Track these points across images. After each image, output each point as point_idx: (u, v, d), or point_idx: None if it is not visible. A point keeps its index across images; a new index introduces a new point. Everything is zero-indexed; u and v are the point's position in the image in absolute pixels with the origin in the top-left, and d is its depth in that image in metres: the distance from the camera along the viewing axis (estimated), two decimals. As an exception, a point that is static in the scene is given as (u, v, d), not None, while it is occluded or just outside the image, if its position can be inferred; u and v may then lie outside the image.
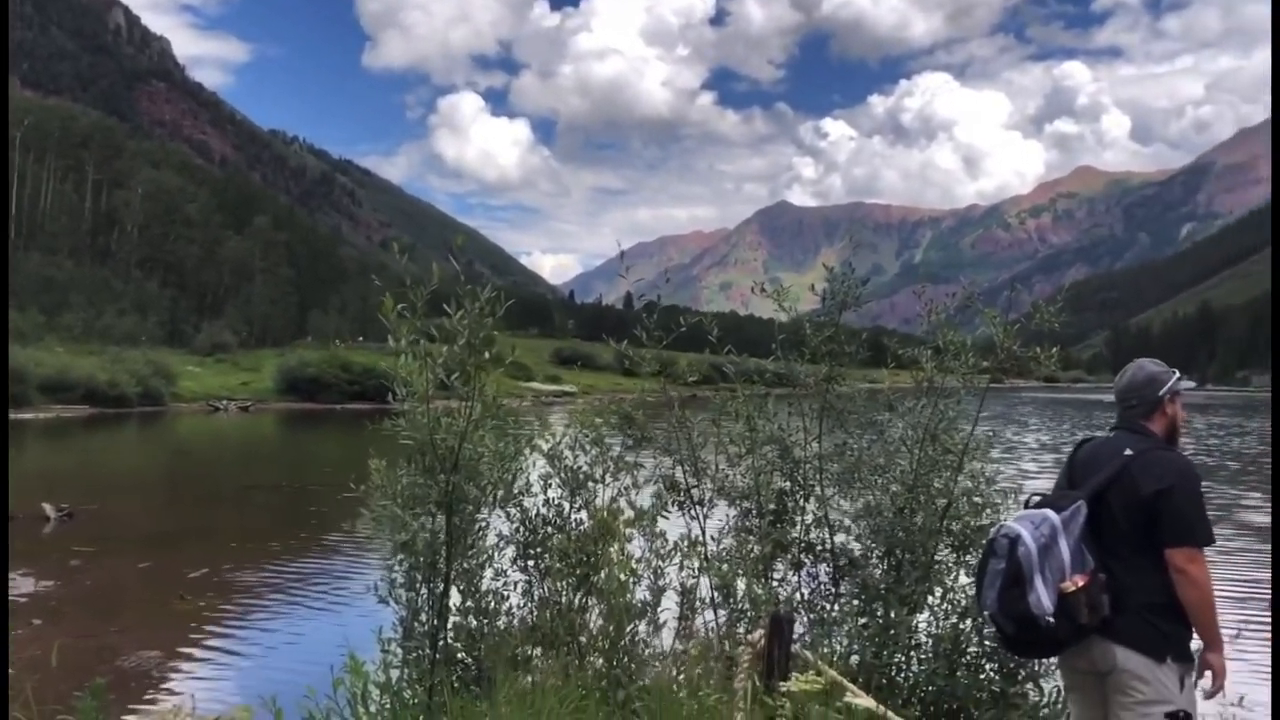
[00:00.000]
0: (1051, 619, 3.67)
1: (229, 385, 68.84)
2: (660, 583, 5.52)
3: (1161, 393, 4.00)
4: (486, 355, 4.63)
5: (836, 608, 6.01)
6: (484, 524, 5.14)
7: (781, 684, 4.17)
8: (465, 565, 5.02)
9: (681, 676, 5.04)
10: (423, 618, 5.02)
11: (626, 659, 5.00)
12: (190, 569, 14.95)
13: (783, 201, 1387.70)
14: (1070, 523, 3.79)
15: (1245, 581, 13.92)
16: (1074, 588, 3.68)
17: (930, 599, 5.75)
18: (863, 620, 5.68)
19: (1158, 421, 4.00)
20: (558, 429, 5.86)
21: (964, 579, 5.59)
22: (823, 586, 6.26)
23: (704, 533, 6.18)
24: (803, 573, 6.31)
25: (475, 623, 5.12)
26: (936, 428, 5.86)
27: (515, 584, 5.44)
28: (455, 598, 5.12)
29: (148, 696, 9.36)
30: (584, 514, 5.60)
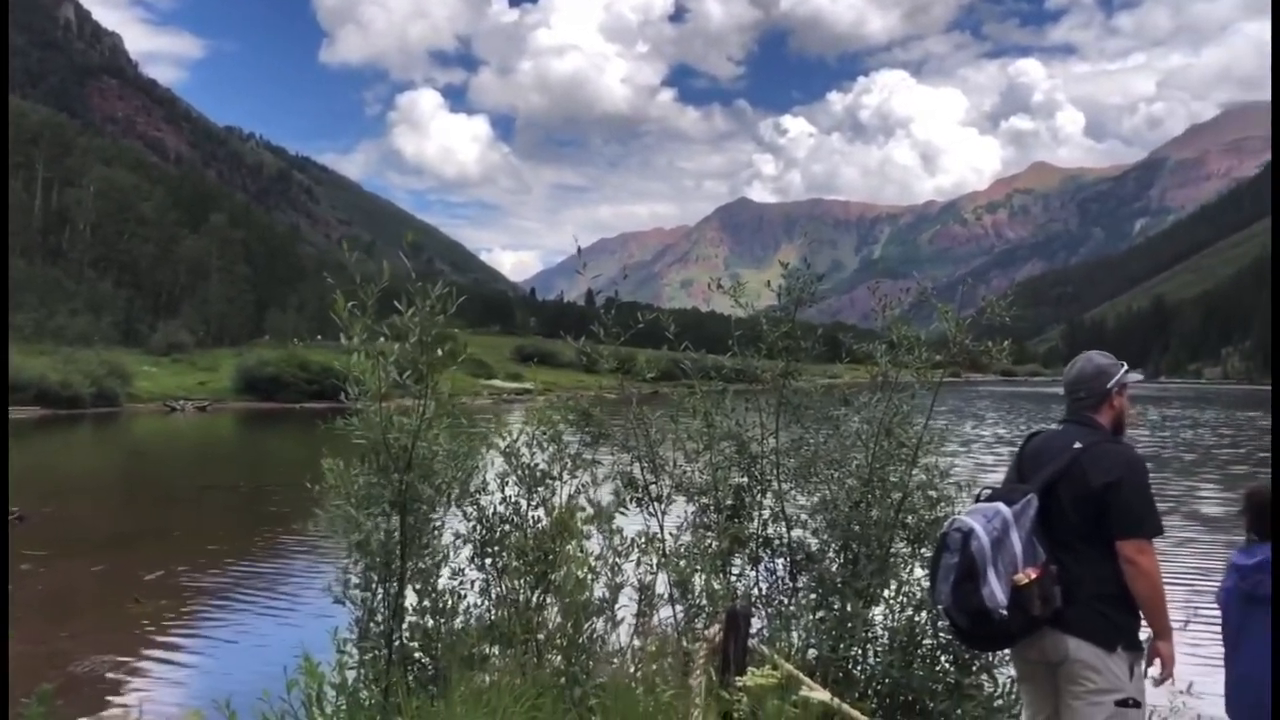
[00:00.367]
0: (1005, 612, 3.70)
1: (186, 385, 67.99)
2: (618, 580, 5.51)
3: (1109, 385, 4.05)
4: (440, 352, 4.59)
5: (794, 602, 6.04)
6: (439, 523, 5.11)
7: (738, 679, 4.18)
8: (421, 565, 4.98)
9: (638, 673, 5.03)
10: (378, 618, 4.98)
11: (584, 656, 4.99)
12: (145, 571, 14.76)
13: (743, 198, 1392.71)
14: (1021, 516, 3.82)
15: (1196, 572, 14.16)
16: (1026, 580, 3.71)
17: (886, 592, 5.80)
18: (820, 614, 5.71)
19: (1105, 414, 4.04)
20: (515, 426, 5.83)
21: (919, 572, 5.64)
22: (780, 581, 6.29)
23: (662, 529, 6.18)
24: (760, 567, 6.33)
25: (432, 622, 5.09)
26: (891, 422, 5.90)
27: (472, 583, 5.41)
28: (411, 597, 5.09)
29: (98, 702, 9.22)
30: (541, 512, 5.58)
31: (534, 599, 5.35)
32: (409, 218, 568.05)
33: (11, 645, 8.83)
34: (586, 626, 5.07)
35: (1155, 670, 3.93)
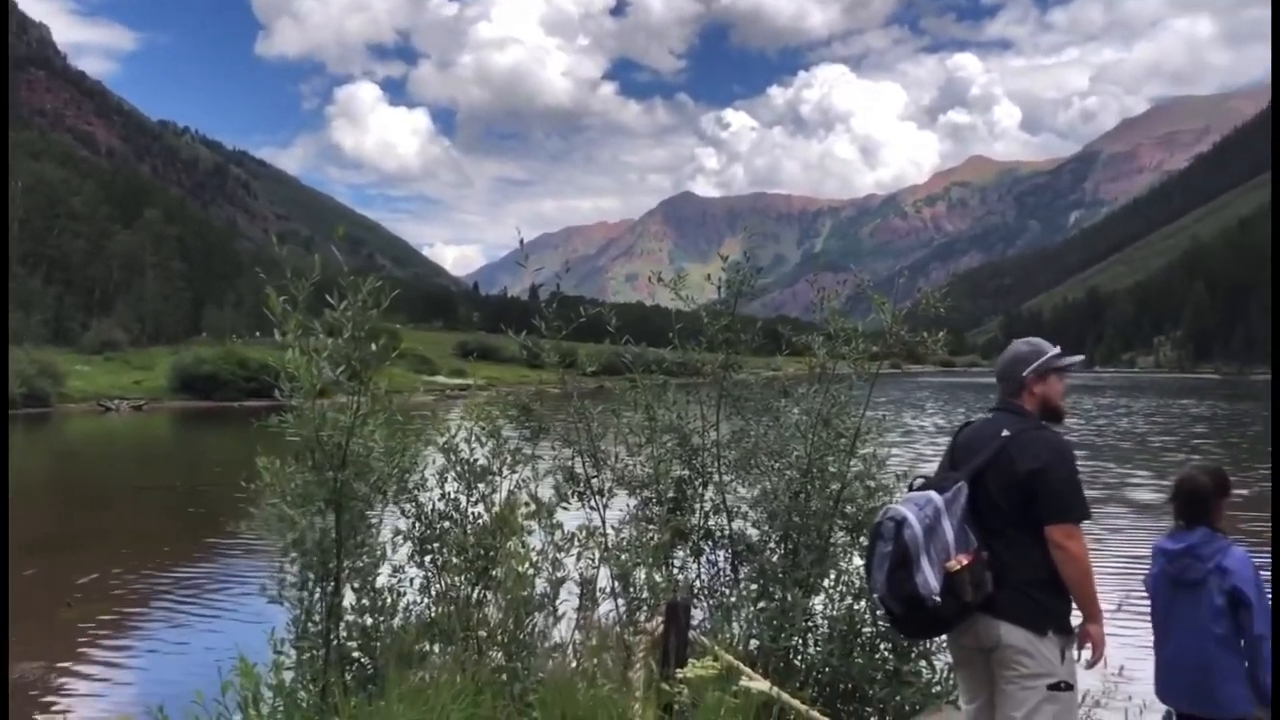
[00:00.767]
0: (938, 599, 3.74)
1: (120, 384, 66.53)
2: (559, 574, 5.49)
3: (1025, 372, 4.07)
4: (374, 347, 4.53)
5: (735, 593, 6.07)
6: (377, 521, 5.05)
7: (678, 670, 4.18)
8: (359, 563, 4.92)
9: (578, 667, 5.02)
10: (315, 618, 4.91)
11: (525, 652, 4.96)
12: (78, 574, 14.44)
13: (686, 192, 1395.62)
14: (953, 503, 3.87)
15: (1130, 558, 14.44)
16: (959, 567, 3.75)
17: (826, 582, 5.85)
18: (760, 604, 5.75)
19: (1028, 400, 4.07)
20: (454, 422, 5.79)
21: (858, 561, 5.69)
22: (722, 572, 6.32)
23: (604, 523, 6.17)
24: (702, 559, 6.36)
25: (370, 621, 5.03)
26: (829, 413, 5.94)
27: (412, 580, 5.36)
28: (350, 596, 5.02)
29: (28, 711, 9.00)
30: (481, 508, 5.54)
31: (474, 595, 5.31)
32: (349, 212, 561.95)
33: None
34: (527, 622, 5.04)
35: (1087, 653, 3.99)
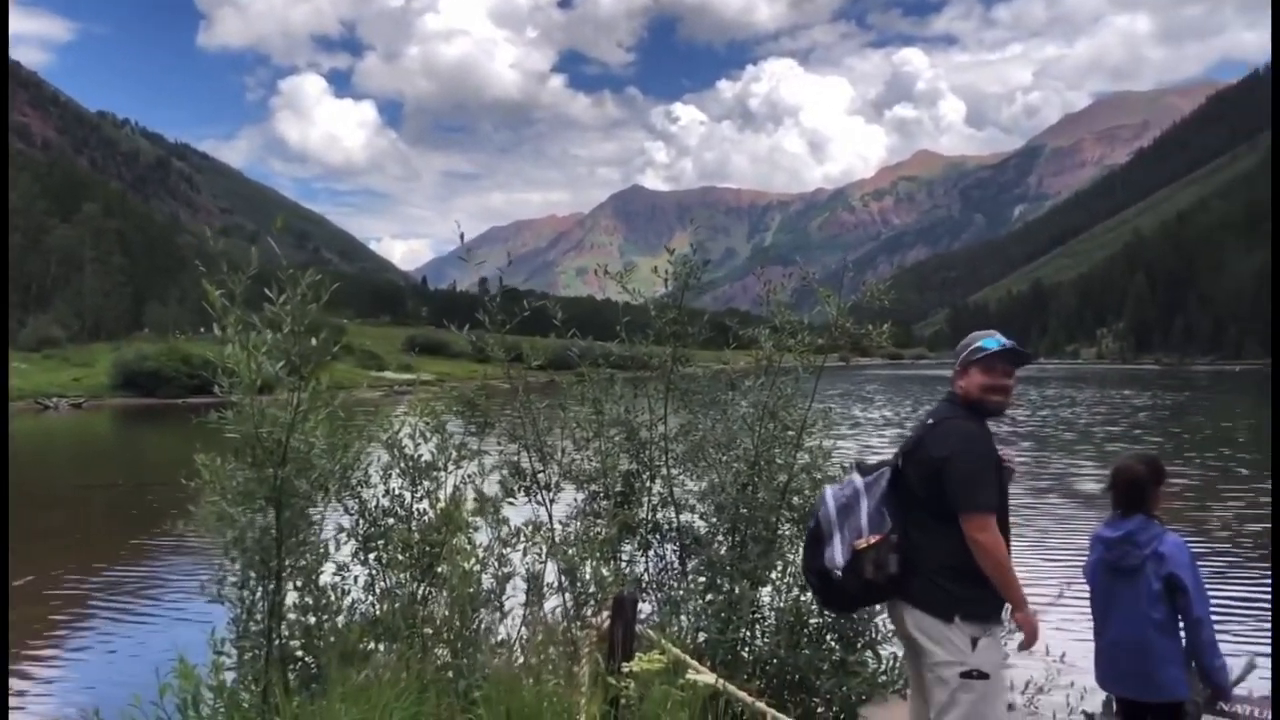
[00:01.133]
0: (840, 573, 3.85)
1: (59, 382, 65.17)
2: (505, 570, 5.45)
3: (957, 364, 4.13)
4: (314, 342, 4.46)
5: (683, 586, 6.07)
6: (319, 518, 4.98)
7: (625, 664, 4.17)
8: (301, 561, 4.85)
9: (524, 663, 4.99)
10: (257, 617, 4.84)
11: (471, 649, 4.92)
12: (14, 576, 14.10)
13: (636, 185, 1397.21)
14: (873, 486, 3.98)
15: (1074, 547, 14.65)
16: (865, 545, 3.84)
17: (773, 573, 5.87)
18: (708, 597, 5.75)
19: (959, 390, 4.10)
20: (397, 418, 5.72)
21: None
22: (670, 566, 6.32)
23: (550, 517, 6.14)
24: (650, 553, 6.36)
25: (314, 619, 4.96)
26: (775, 405, 5.96)
27: (355, 578, 5.29)
28: (293, 595, 4.95)
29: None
30: (426, 504, 5.49)
31: (420, 592, 5.26)
32: (294, 206, 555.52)
33: None
34: (473, 619, 5.00)
35: (1024, 640, 3.99)
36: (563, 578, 5.80)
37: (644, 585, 6.23)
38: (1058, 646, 6.27)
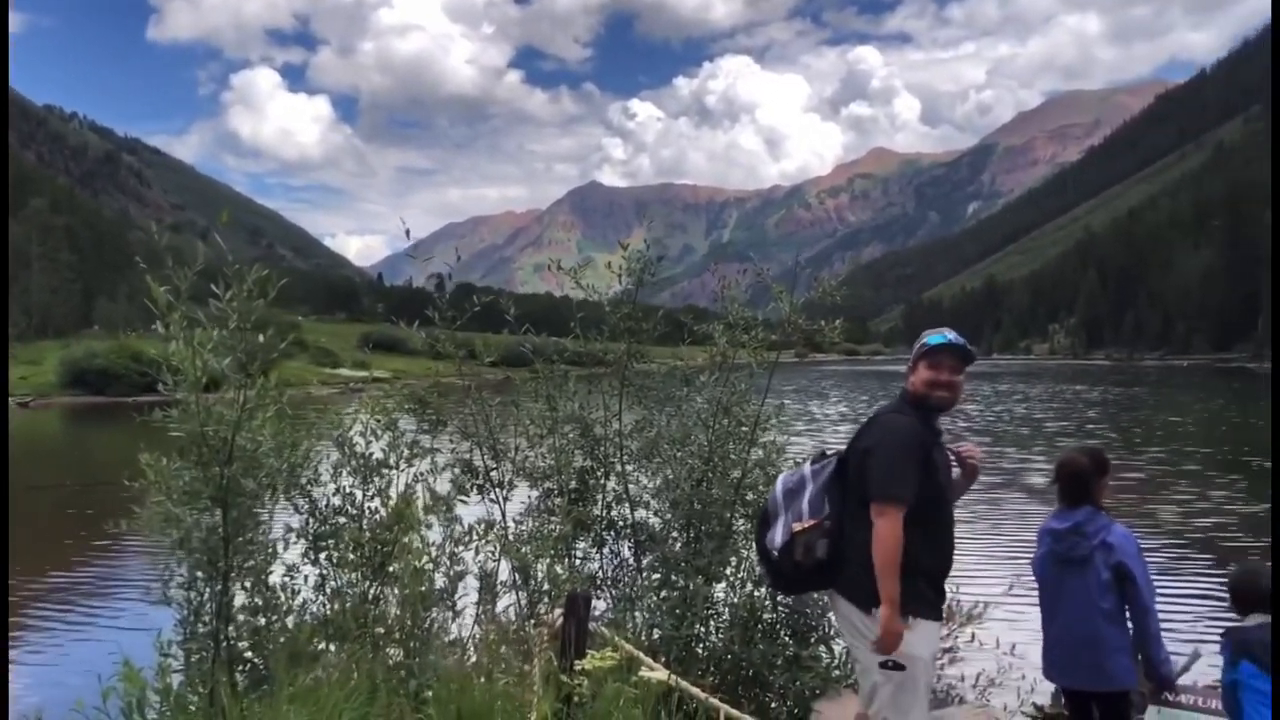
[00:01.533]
0: (776, 553, 3.97)
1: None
2: (458, 568, 5.41)
3: (910, 359, 4.18)
4: (262, 338, 4.40)
5: (638, 583, 6.07)
6: (268, 517, 4.91)
7: (577, 662, 4.16)
8: (250, 561, 4.78)
9: (477, 662, 4.95)
10: (205, 618, 4.76)
11: (422, 647, 4.88)
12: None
13: (593, 181, 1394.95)
14: (819, 474, 4.08)
15: (1025, 542, 14.81)
16: (800, 529, 3.93)
17: (727, 569, 5.88)
18: (663, 593, 5.75)
19: (909, 385, 4.14)
20: (347, 415, 5.66)
21: (759, 548, 5.73)
22: (625, 562, 6.32)
23: (504, 515, 6.11)
24: (605, 550, 6.35)
25: (263, 620, 4.89)
26: (729, 401, 5.98)
27: (306, 577, 5.23)
28: (241, 596, 4.88)
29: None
30: (378, 502, 5.43)
31: (371, 592, 5.20)
32: (247, 201, 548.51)
33: None
34: (425, 617, 4.96)
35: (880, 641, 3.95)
36: (516, 576, 5.77)
37: (599, 582, 6.22)
38: (1008, 640, 6.35)
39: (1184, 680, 4.97)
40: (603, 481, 6.41)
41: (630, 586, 6.10)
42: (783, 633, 5.72)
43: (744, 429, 6.03)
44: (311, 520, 5.28)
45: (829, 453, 4.22)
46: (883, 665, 3.81)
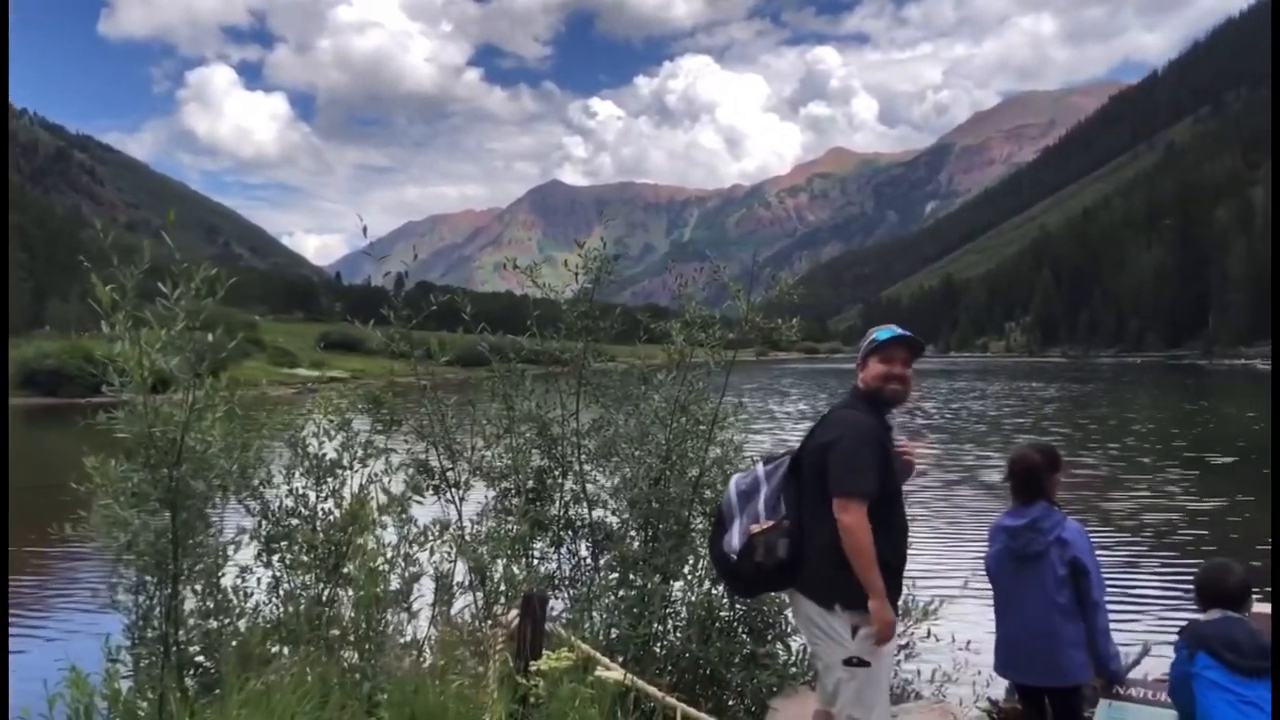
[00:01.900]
0: (735, 556, 3.94)
1: (-47, 382, 62.77)
2: (413, 570, 5.36)
3: (859, 357, 4.22)
4: (210, 338, 4.33)
5: (596, 582, 6.04)
6: (218, 519, 4.84)
7: (534, 663, 4.14)
8: (200, 564, 4.71)
9: (431, 664, 4.92)
10: (155, 622, 4.69)
11: (377, 650, 4.83)
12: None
13: (554, 180, 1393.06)
14: (773, 475, 4.08)
15: (981, 539, 14.93)
16: (759, 530, 3.92)
17: (685, 568, 5.88)
18: (620, 592, 5.74)
19: (861, 381, 4.17)
20: (300, 416, 5.59)
21: (716, 546, 5.73)
22: (583, 562, 6.29)
23: (460, 515, 6.07)
24: (562, 550, 6.32)
25: (215, 623, 4.82)
26: (687, 399, 5.98)
27: (259, 580, 5.16)
28: (193, 599, 4.81)
29: None
30: (331, 503, 5.37)
31: (325, 594, 5.14)
32: (203, 200, 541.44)
33: None
34: (379, 619, 4.91)
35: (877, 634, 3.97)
36: (472, 576, 5.73)
37: (556, 582, 6.19)
38: (964, 635, 6.40)
39: (1134, 674, 5.04)
40: (560, 481, 6.38)
41: (588, 586, 6.07)
42: (740, 631, 5.73)
43: (702, 427, 6.03)
44: (264, 522, 5.21)
45: (780, 452, 4.23)
46: (847, 662, 3.82)
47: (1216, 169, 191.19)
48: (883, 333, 4.13)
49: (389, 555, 5.27)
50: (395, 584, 5.24)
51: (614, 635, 5.54)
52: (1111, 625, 4.77)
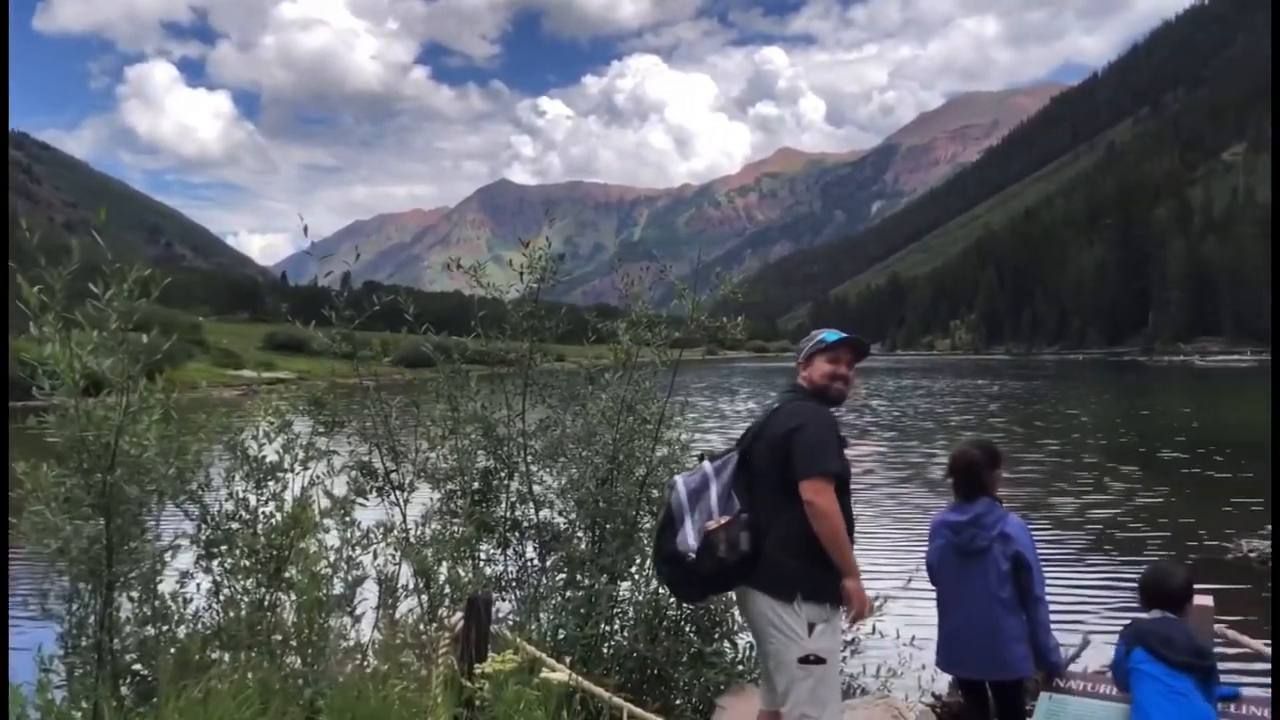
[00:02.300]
0: (693, 555, 3.87)
1: (-117, 386, 61.05)
2: (357, 573, 5.29)
3: (799, 358, 4.27)
4: (145, 339, 4.24)
5: (543, 583, 6.02)
6: (154, 524, 4.74)
7: (479, 665, 4.10)
8: (136, 571, 4.61)
9: (374, 668, 4.86)
10: (89, 631, 4.58)
11: (319, 654, 4.76)
12: None
13: (503, 180, 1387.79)
14: (722, 471, 4.04)
15: (921, 536, 15.05)
16: (715, 526, 3.87)
17: (632, 568, 5.87)
18: (568, 593, 5.72)
19: (803, 381, 4.20)
20: (238, 418, 5.49)
21: (664, 546, 5.73)
22: (530, 563, 6.26)
23: (404, 518, 6.01)
24: (509, 551, 6.28)
25: (152, 631, 4.72)
26: (633, 399, 5.97)
27: (199, 586, 5.07)
28: (129, 607, 4.70)
29: None
30: (273, 506, 5.29)
31: (267, 598, 5.06)
32: (145, 199, 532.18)
33: None
34: (320, 624, 4.84)
35: (853, 611, 4.01)
36: (417, 580, 5.68)
37: (503, 584, 6.16)
38: (908, 631, 6.45)
39: (1074, 667, 5.11)
40: (506, 482, 6.34)
41: (535, 587, 6.05)
42: (687, 629, 5.73)
43: (649, 426, 6.03)
44: (204, 526, 5.12)
45: (724, 449, 4.24)
46: (803, 660, 3.81)
47: (1155, 169, 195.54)
48: (830, 334, 4.20)
49: (332, 559, 5.19)
50: (338, 588, 5.16)
51: (561, 636, 5.52)
52: (1052, 619, 4.84)
